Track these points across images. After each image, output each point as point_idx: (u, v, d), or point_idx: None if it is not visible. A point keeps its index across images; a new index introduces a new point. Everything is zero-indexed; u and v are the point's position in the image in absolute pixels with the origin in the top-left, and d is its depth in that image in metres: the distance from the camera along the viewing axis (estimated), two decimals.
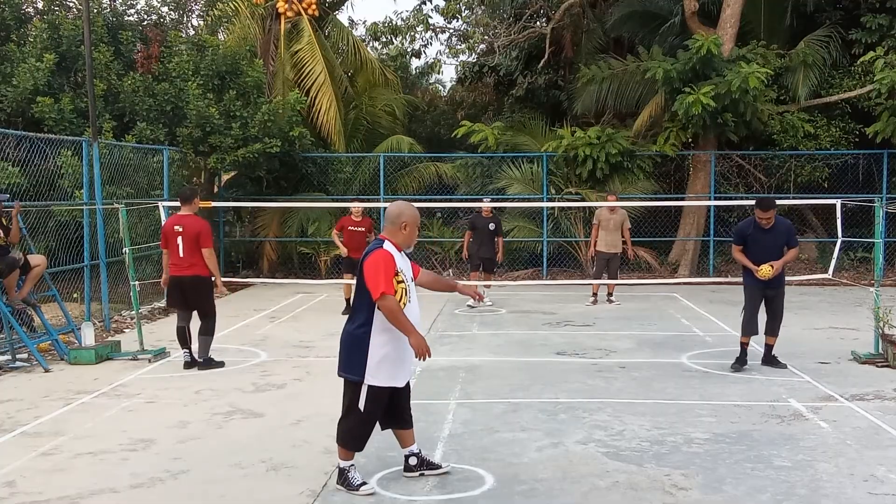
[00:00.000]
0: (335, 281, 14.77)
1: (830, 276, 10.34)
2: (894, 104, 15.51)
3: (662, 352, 9.50)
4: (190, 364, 8.68)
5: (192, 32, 18.71)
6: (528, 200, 17.04)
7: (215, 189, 17.33)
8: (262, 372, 8.56)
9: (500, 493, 5.10)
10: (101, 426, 6.60)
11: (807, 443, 6.06)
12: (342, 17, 23.62)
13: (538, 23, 21.56)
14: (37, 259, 9.37)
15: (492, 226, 13.19)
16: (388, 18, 25.35)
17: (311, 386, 7.96)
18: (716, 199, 16.88)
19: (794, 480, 5.29)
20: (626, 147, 16.86)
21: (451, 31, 26.28)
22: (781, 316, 8.48)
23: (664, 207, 17.07)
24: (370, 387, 5.02)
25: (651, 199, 16.92)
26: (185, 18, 18.96)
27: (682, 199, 17.68)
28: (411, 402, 5.41)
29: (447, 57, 26.99)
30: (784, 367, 8.48)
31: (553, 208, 16.90)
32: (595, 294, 13.60)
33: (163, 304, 12.47)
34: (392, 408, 5.20)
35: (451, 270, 16.92)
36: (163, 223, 9.30)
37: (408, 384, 5.30)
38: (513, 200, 16.82)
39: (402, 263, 5.12)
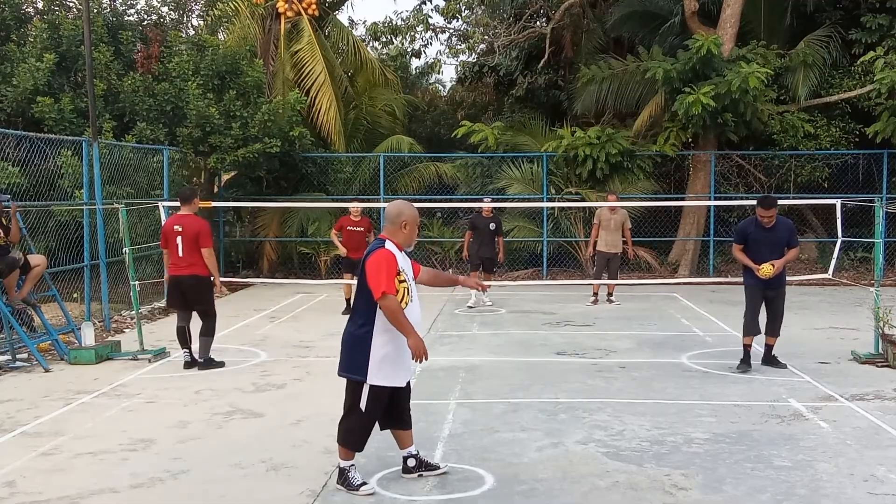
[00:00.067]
0: (335, 281, 14.78)
1: (830, 276, 10.34)
2: (894, 104, 15.51)
3: (662, 352, 9.50)
4: (190, 364, 8.68)
5: (192, 32, 18.72)
6: (528, 200, 17.04)
7: (215, 189, 17.33)
8: (262, 372, 8.55)
9: (500, 493, 5.10)
10: (101, 426, 6.60)
11: (807, 443, 6.06)
12: (342, 17, 23.66)
13: (538, 23, 21.56)
14: (37, 259, 9.37)
15: (492, 226, 13.19)
16: (388, 18, 25.36)
17: (311, 386, 7.96)
18: (716, 199, 16.89)
19: (794, 480, 5.29)
20: (626, 147, 16.86)
21: (451, 31, 26.30)
22: (782, 316, 8.48)
23: (664, 207, 17.06)
24: (372, 386, 5.02)
25: (651, 199, 16.92)
26: (185, 18, 18.98)
27: (682, 199, 17.68)
28: (411, 402, 5.41)
29: (447, 57, 27.01)
30: (784, 367, 8.48)
31: (553, 208, 16.89)
32: (595, 294, 13.60)
33: (163, 304, 12.47)
34: (392, 408, 5.20)
35: (451, 270, 16.91)
36: (163, 223, 9.30)
37: (408, 384, 5.30)
38: (513, 200, 16.82)
39: (404, 263, 5.13)
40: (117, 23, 15.40)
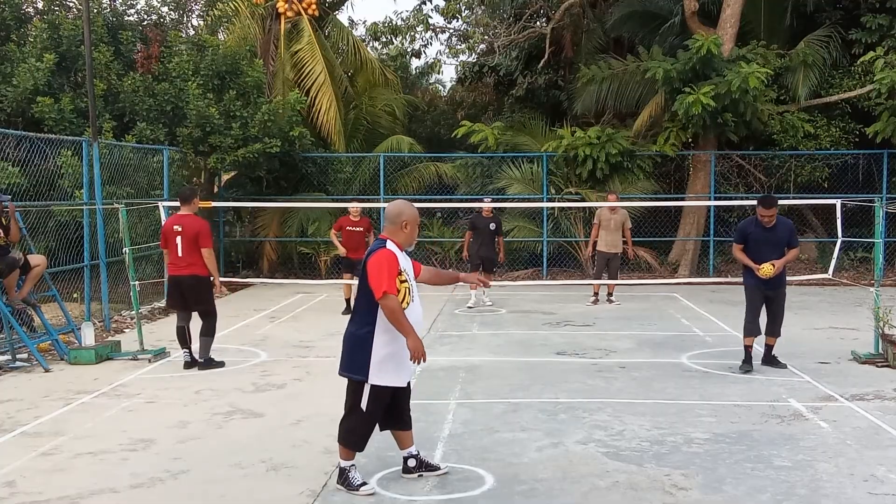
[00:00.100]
0: (335, 281, 14.77)
1: (830, 276, 10.35)
2: (894, 104, 15.51)
3: (662, 352, 9.50)
4: (190, 364, 8.68)
5: (192, 32, 18.71)
6: (528, 200, 17.04)
7: (215, 189, 17.33)
8: (262, 372, 8.55)
9: (500, 493, 5.10)
10: (101, 426, 6.60)
11: (807, 443, 6.06)
12: (342, 17, 23.66)
13: (538, 23, 21.56)
14: (37, 259, 9.37)
15: (492, 226, 13.19)
16: (388, 18, 25.38)
17: (311, 386, 7.96)
18: (716, 199, 16.88)
19: (794, 480, 5.29)
20: (626, 147, 16.87)
21: (451, 31, 26.30)
22: (782, 316, 8.47)
23: (664, 207, 17.06)
24: (373, 386, 5.02)
25: (651, 199, 16.92)
26: (185, 18, 18.97)
27: (682, 199, 17.68)
28: (411, 402, 5.41)
29: (447, 57, 27.02)
30: (784, 367, 8.48)
31: (553, 208, 16.89)
32: (596, 294, 13.60)
33: (163, 304, 12.47)
34: (392, 408, 5.20)
35: (451, 270, 16.91)
36: (163, 223, 9.30)
37: (408, 384, 5.30)
38: (513, 200, 16.82)
39: (405, 263, 5.13)
40: (117, 23, 15.40)
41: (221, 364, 8.76)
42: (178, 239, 8.55)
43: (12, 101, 13.19)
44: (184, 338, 8.67)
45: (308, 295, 14.72)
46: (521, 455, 5.80)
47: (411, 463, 5.35)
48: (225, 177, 17.81)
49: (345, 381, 5.19)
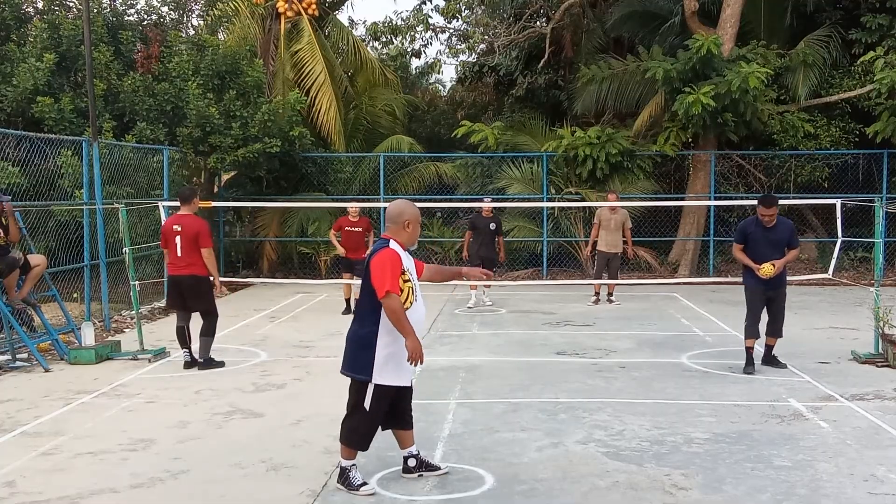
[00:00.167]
0: (335, 281, 14.77)
1: (830, 276, 10.34)
2: (894, 104, 15.51)
3: (662, 352, 9.50)
4: (190, 364, 8.68)
5: (192, 32, 18.73)
6: (528, 200, 17.04)
7: (215, 189, 17.33)
8: (262, 372, 8.55)
9: (500, 493, 5.10)
10: (101, 426, 6.60)
11: (807, 443, 6.06)
12: (342, 17, 23.65)
13: (538, 23, 21.56)
14: (37, 259, 9.37)
15: (492, 225, 13.19)
16: (388, 18, 25.37)
17: (311, 386, 7.96)
18: (716, 199, 16.88)
19: (794, 480, 5.29)
20: (626, 147, 16.86)
21: (451, 31, 26.30)
22: (783, 317, 8.46)
23: (664, 207, 17.07)
24: (377, 385, 5.03)
25: (651, 199, 16.92)
26: (185, 18, 18.99)
27: (682, 199, 17.68)
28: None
29: (447, 57, 27.02)
30: (784, 367, 8.48)
31: (553, 208, 16.90)
32: (597, 293, 13.60)
33: (163, 304, 12.47)
34: (395, 407, 5.20)
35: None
36: (163, 223, 9.30)
37: (411, 384, 5.30)
38: (513, 200, 16.82)
39: (408, 262, 5.14)
40: (117, 23, 15.40)
41: (221, 364, 8.76)
42: (178, 239, 8.55)
43: (12, 101, 13.19)
44: (184, 338, 8.67)
45: (308, 295, 14.72)
46: (521, 455, 5.80)
47: (411, 463, 5.35)
48: (225, 177, 17.81)
49: (345, 380, 5.19)
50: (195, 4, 19.44)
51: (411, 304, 5.05)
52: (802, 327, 10.84)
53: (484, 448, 5.96)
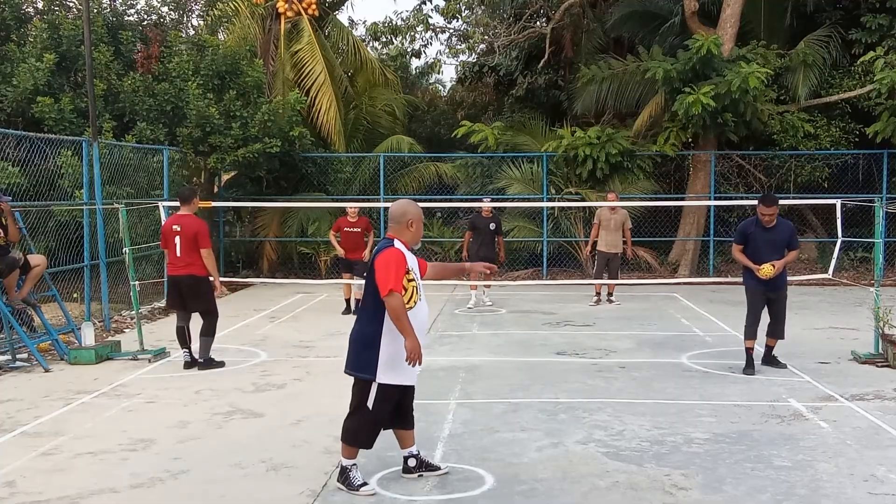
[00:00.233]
0: (335, 281, 14.77)
1: (830, 276, 10.34)
2: (894, 104, 15.51)
3: (662, 352, 9.50)
4: (190, 364, 8.68)
5: (192, 32, 18.72)
6: (528, 200, 17.04)
7: (215, 189, 17.34)
8: (262, 372, 8.55)
9: (500, 493, 5.10)
10: (101, 426, 6.60)
11: (807, 443, 6.06)
12: (342, 17, 23.65)
13: (538, 23, 21.56)
14: (37, 259, 9.37)
15: (492, 226, 13.18)
16: (388, 18, 25.39)
17: (311, 386, 7.96)
18: (716, 199, 16.88)
19: (794, 480, 5.29)
20: (626, 147, 16.86)
21: (451, 31, 26.31)
22: (784, 318, 8.44)
23: (664, 207, 17.07)
24: (380, 385, 5.03)
25: (651, 199, 16.92)
26: (185, 18, 18.98)
27: (682, 199, 17.68)
28: None
29: (447, 57, 27.03)
30: (784, 367, 8.47)
31: (553, 208, 16.90)
32: (598, 294, 13.60)
33: (163, 304, 12.48)
34: (397, 407, 5.21)
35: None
36: (163, 223, 9.30)
37: (412, 385, 5.30)
38: (513, 200, 16.82)
39: (412, 262, 5.14)
40: (117, 23, 15.40)
41: (221, 364, 8.76)
42: (177, 239, 8.55)
43: (12, 101, 13.19)
44: (183, 338, 8.67)
45: (308, 295, 14.72)
46: (521, 455, 5.80)
47: (411, 463, 5.36)
48: (225, 177, 17.81)
49: (345, 380, 5.19)
50: (195, 4, 19.44)
51: (415, 303, 5.06)
52: (802, 327, 10.84)
53: (484, 448, 5.96)
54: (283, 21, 18.69)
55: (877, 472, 5.44)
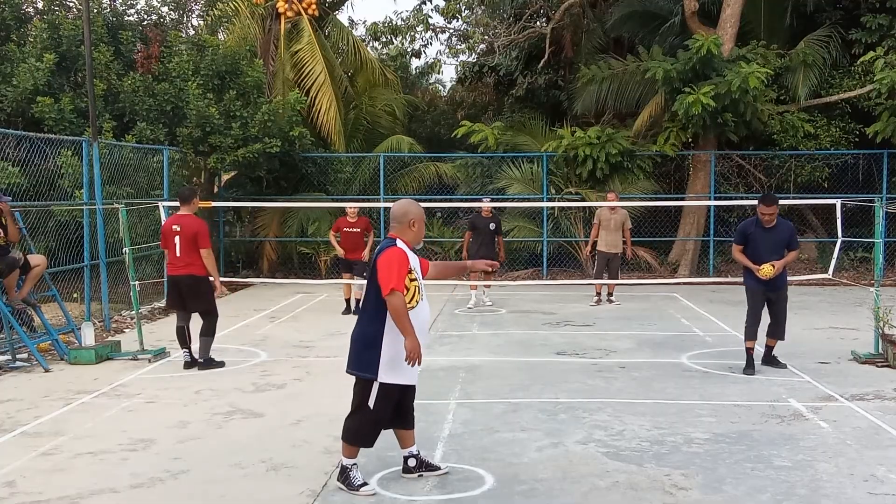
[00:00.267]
0: (335, 281, 14.77)
1: (830, 276, 10.34)
2: (894, 104, 15.51)
3: (662, 352, 9.50)
4: (190, 364, 8.67)
5: (192, 32, 18.72)
6: (528, 200, 17.04)
7: (215, 189, 17.34)
8: (262, 372, 8.55)
9: (500, 493, 5.10)
10: (101, 426, 6.60)
11: (807, 443, 6.06)
12: (342, 17, 23.66)
13: (538, 23, 21.56)
14: (37, 259, 9.37)
15: (492, 226, 13.18)
16: (388, 18, 25.38)
17: (311, 386, 7.96)
18: (716, 199, 16.89)
19: (794, 480, 5.29)
20: (626, 147, 16.87)
21: (451, 31, 26.31)
22: (785, 319, 8.43)
23: (664, 207, 17.07)
24: (382, 384, 5.03)
25: (651, 199, 16.92)
26: (185, 18, 18.98)
27: (682, 199, 17.68)
28: None
29: (447, 57, 27.03)
30: (784, 367, 8.47)
31: (553, 208, 16.90)
32: (598, 294, 13.60)
33: (163, 304, 12.48)
34: (398, 406, 5.21)
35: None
36: (163, 223, 9.30)
37: (413, 384, 5.30)
38: (513, 200, 16.82)
39: (415, 262, 5.15)
40: (117, 23, 15.40)
41: (221, 364, 8.76)
42: (177, 239, 8.55)
43: (12, 101, 13.19)
44: (183, 338, 8.67)
45: (308, 295, 14.72)
46: (521, 455, 5.80)
47: (411, 462, 5.36)
48: (225, 177, 17.81)
49: (345, 380, 5.19)
50: (195, 4, 19.44)
51: (417, 302, 5.07)
52: (802, 327, 10.84)
53: (484, 448, 5.96)
54: (283, 21, 18.69)
55: (877, 472, 5.44)
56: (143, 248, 11.82)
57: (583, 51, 20.56)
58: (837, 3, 18.38)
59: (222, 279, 9.57)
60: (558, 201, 16.59)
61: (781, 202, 8.79)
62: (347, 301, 12.48)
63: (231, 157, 14.85)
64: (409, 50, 25.41)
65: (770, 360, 8.56)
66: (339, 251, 12.35)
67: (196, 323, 8.74)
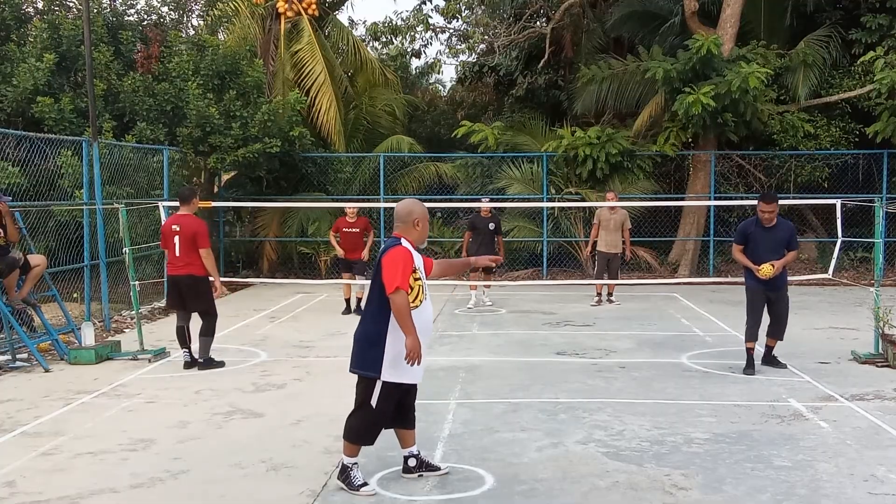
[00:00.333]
0: (335, 281, 14.76)
1: (830, 276, 10.34)
2: (894, 104, 15.51)
3: (662, 352, 9.50)
4: (190, 364, 8.67)
5: (192, 32, 18.72)
6: (528, 200, 17.04)
7: (215, 189, 17.34)
8: (262, 372, 8.55)
9: (500, 493, 5.10)
10: (101, 426, 6.60)
11: (807, 443, 6.06)
12: (342, 17, 23.66)
13: (538, 23, 21.57)
14: (37, 259, 9.37)
15: (491, 225, 13.18)
16: (388, 18, 25.39)
17: (311, 386, 7.96)
18: (716, 199, 16.89)
19: (794, 480, 5.29)
20: (626, 147, 16.87)
21: (451, 31, 26.31)
22: (786, 319, 8.43)
23: (664, 207, 17.07)
24: (384, 383, 5.04)
25: (651, 199, 16.92)
26: (185, 18, 18.97)
27: (682, 199, 17.68)
28: None
29: (447, 57, 27.03)
30: (784, 367, 8.47)
31: (553, 208, 16.90)
32: (599, 294, 13.59)
33: (163, 304, 12.48)
34: (399, 405, 5.21)
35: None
36: (163, 223, 9.31)
37: (415, 384, 5.31)
38: (513, 200, 16.82)
39: (419, 261, 5.15)
40: (117, 23, 15.40)
41: (221, 364, 8.76)
42: (176, 239, 8.55)
43: (12, 101, 13.19)
44: (183, 338, 8.67)
45: (308, 295, 14.72)
46: (521, 455, 5.80)
47: (412, 462, 5.36)
48: (225, 177, 17.81)
49: (345, 380, 5.20)
50: (195, 4, 19.44)
51: (420, 302, 5.07)
52: (802, 327, 10.84)
53: (484, 448, 5.96)
54: (283, 21, 18.69)
55: (877, 472, 5.44)
56: (142, 248, 11.82)
57: (583, 51, 20.56)
58: (837, 3, 18.38)
59: (222, 279, 9.56)
60: (558, 201, 16.59)
61: (781, 202, 8.79)
62: (347, 301, 12.48)
63: (231, 157, 14.86)
64: (409, 50, 25.43)
65: (770, 360, 8.56)
66: (340, 252, 12.36)
67: (196, 323, 8.74)
